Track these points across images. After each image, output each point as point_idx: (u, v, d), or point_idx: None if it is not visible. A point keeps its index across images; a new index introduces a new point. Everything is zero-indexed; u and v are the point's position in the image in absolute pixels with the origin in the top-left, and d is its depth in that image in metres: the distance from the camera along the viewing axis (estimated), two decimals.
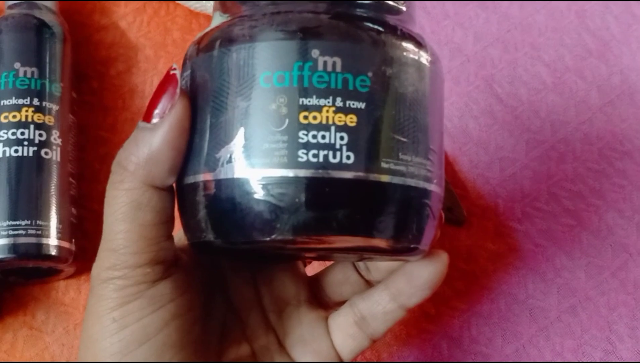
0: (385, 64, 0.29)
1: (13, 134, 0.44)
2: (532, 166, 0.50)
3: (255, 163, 0.28)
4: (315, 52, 0.29)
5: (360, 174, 0.28)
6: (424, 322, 0.46)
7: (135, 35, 0.53)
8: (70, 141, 0.47)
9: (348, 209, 0.28)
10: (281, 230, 0.28)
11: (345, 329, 0.37)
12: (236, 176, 0.29)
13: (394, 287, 0.35)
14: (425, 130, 0.31)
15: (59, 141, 0.45)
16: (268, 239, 0.29)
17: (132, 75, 0.52)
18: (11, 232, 0.43)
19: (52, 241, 0.44)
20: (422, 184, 0.30)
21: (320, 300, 0.38)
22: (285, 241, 0.29)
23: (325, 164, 0.28)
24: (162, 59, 0.53)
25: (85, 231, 0.47)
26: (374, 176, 0.29)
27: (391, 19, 0.31)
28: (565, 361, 0.45)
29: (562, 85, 0.52)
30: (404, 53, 0.30)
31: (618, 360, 0.45)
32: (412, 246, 0.31)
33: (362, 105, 0.29)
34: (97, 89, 0.52)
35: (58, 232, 0.44)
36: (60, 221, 0.44)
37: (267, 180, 0.28)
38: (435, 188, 0.31)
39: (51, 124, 0.45)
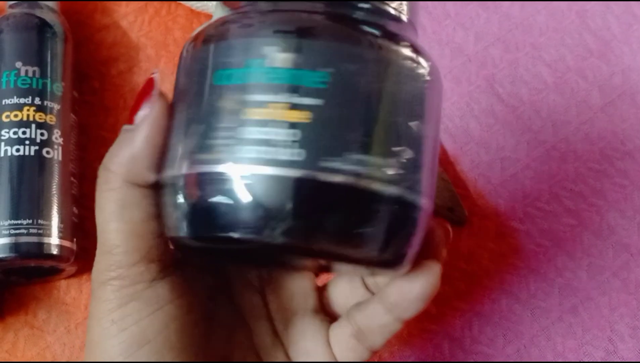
0: (345, 61, 0.28)
1: (15, 133, 0.44)
2: (534, 166, 0.50)
3: (207, 159, 0.28)
4: (267, 49, 0.28)
5: (310, 172, 0.27)
6: (425, 321, 0.46)
7: (136, 34, 0.53)
8: (72, 141, 0.47)
9: (297, 207, 0.28)
10: (233, 225, 0.28)
11: (345, 342, 0.36)
12: (193, 171, 0.29)
13: (388, 300, 0.34)
14: (389, 129, 0.29)
15: (60, 140, 0.45)
16: (222, 235, 0.28)
17: (134, 75, 0.52)
18: (13, 231, 0.43)
19: (54, 240, 0.44)
20: (379, 186, 0.28)
21: (327, 311, 0.38)
22: (239, 239, 0.28)
23: (275, 162, 0.27)
24: (163, 59, 0.53)
25: (86, 230, 0.47)
26: (324, 176, 0.28)
27: (354, 14, 0.30)
28: (567, 361, 0.45)
29: (563, 85, 0.52)
30: (367, 50, 0.29)
31: (619, 360, 0.45)
32: (374, 253, 0.29)
33: (317, 102, 0.28)
34: (98, 89, 0.51)
35: (60, 231, 0.44)
36: (61, 220, 0.44)
37: (220, 176, 0.28)
38: (396, 190, 0.29)
39: (53, 123, 0.45)
